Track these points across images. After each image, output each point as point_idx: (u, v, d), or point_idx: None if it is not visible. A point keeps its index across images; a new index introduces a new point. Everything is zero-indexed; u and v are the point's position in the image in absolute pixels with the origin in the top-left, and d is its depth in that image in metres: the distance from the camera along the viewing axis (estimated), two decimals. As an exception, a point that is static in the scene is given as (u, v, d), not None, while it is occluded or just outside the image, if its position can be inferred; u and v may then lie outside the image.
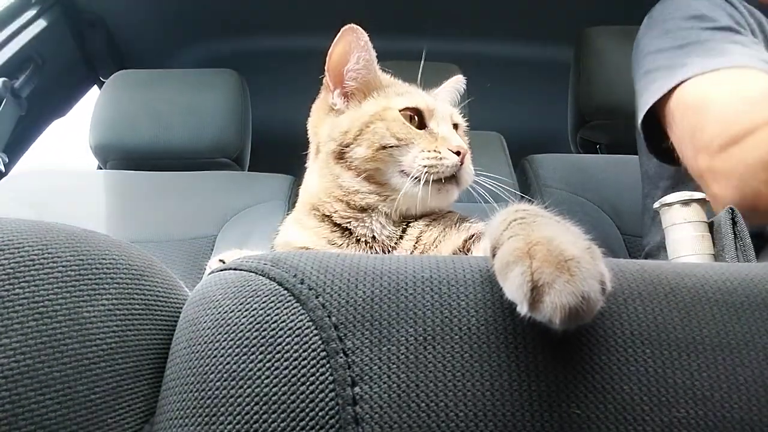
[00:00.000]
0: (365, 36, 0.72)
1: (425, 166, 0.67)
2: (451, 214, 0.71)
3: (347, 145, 0.68)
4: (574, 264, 0.33)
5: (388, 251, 0.67)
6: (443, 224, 0.67)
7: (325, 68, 0.74)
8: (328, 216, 0.68)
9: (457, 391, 0.33)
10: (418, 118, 0.72)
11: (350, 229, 0.67)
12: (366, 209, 0.68)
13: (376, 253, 0.66)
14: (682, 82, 0.83)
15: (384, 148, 0.68)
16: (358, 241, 0.67)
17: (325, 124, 0.73)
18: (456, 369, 0.33)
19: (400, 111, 0.71)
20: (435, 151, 0.68)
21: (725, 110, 0.78)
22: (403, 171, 0.68)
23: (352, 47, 0.72)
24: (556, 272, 0.33)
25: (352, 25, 0.71)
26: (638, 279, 0.39)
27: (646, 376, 0.34)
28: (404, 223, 0.70)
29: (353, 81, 0.73)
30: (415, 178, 0.67)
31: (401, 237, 0.68)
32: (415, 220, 0.69)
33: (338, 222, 0.68)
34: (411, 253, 0.66)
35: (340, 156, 0.69)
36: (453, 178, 0.69)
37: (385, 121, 0.70)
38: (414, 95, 0.75)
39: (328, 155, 0.70)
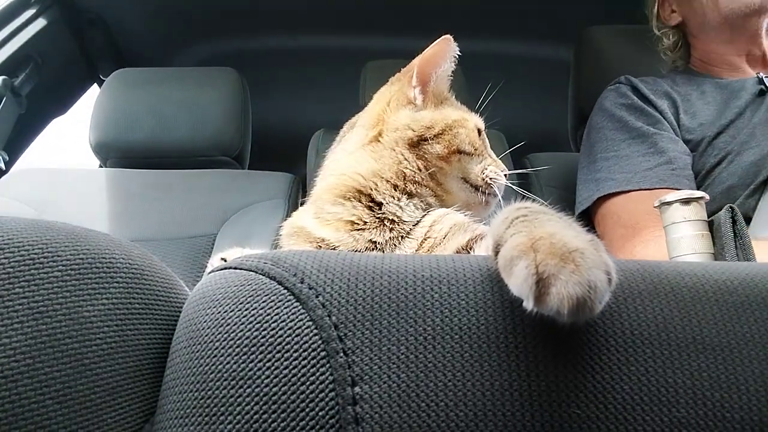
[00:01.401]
0: (457, 49, 0.79)
1: (491, 179, 0.76)
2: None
3: (425, 139, 0.74)
4: (579, 255, 0.33)
5: (403, 237, 0.68)
6: (454, 220, 0.68)
7: (415, 64, 0.80)
8: (367, 195, 0.70)
9: (457, 391, 0.33)
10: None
11: (383, 205, 0.69)
12: (413, 195, 0.71)
13: (393, 234, 0.67)
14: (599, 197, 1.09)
15: (459, 152, 0.75)
16: (382, 221, 0.68)
17: (400, 113, 0.77)
18: (456, 369, 0.33)
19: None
20: (495, 166, 0.78)
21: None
22: (463, 178, 0.75)
23: (446, 56, 0.79)
24: (561, 263, 0.32)
25: (449, 36, 0.78)
26: (638, 278, 0.39)
27: (646, 376, 0.34)
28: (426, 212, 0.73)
29: (435, 85, 0.80)
30: (475, 187, 0.76)
31: (416, 223, 0.69)
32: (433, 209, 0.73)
33: (376, 198, 0.69)
34: (421, 242, 0.67)
35: (415, 145, 0.74)
36: (495, 195, 0.78)
37: (466, 129, 0.77)
38: (473, 114, 0.84)
39: (400, 141, 0.74)
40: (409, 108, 0.78)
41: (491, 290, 0.37)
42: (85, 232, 0.39)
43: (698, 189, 1.02)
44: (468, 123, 0.78)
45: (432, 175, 0.73)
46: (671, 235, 0.72)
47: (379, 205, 0.69)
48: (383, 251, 0.67)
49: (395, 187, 0.71)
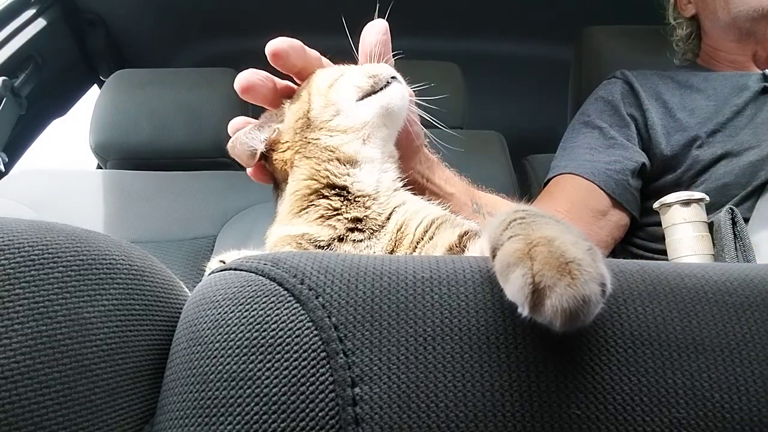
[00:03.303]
0: (240, 131, 0.74)
1: (370, 72, 0.72)
2: (442, 212, 0.71)
3: (308, 110, 0.72)
4: (575, 267, 0.33)
5: (384, 222, 0.67)
6: (432, 217, 0.67)
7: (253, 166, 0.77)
8: (324, 186, 0.69)
9: (457, 391, 0.33)
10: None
11: (347, 186, 0.68)
12: (356, 160, 0.69)
13: (368, 213, 0.67)
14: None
15: (330, 86, 0.72)
16: (356, 200, 0.67)
17: (282, 137, 0.74)
18: (456, 369, 0.33)
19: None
20: (370, 65, 0.74)
21: None
22: (358, 99, 0.71)
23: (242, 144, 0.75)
24: (558, 275, 0.33)
25: (231, 143, 0.74)
26: (638, 279, 0.39)
27: (646, 376, 0.34)
28: (398, 177, 0.71)
29: (265, 130, 0.76)
30: (371, 91, 0.71)
31: (388, 218, 0.68)
32: (402, 204, 0.70)
33: (336, 182, 0.68)
34: (398, 240, 0.66)
35: (309, 123, 0.72)
36: (394, 78, 0.73)
37: (318, 74, 0.75)
38: None
39: (303, 134, 0.72)
40: (284, 134, 0.75)
41: (491, 291, 0.37)
42: (86, 234, 0.39)
43: (694, 185, 1.02)
44: (317, 72, 0.76)
45: (339, 129, 0.70)
46: (671, 236, 0.72)
47: (345, 188, 0.68)
48: (365, 231, 0.66)
49: (339, 160, 0.69)
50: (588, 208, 1.05)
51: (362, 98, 0.71)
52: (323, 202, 0.67)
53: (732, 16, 1.14)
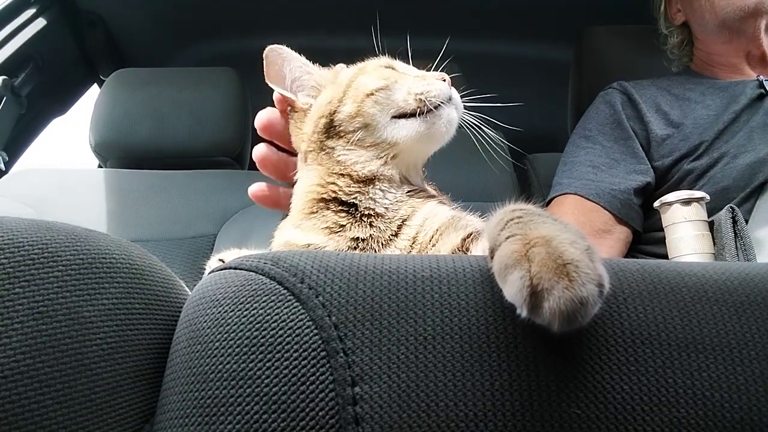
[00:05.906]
0: (285, 49, 0.71)
1: (419, 93, 0.65)
2: (454, 215, 0.69)
3: (334, 112, 0.67)
4: (573, 268, 0.33)
5: (392, 235, 0.65)
6: (437, 225, 0.66)
7: (277, 94, 0.73)
8: (332, 199, 0.66)
9: (457, 391, 0.33)
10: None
11: (356, 204, 0.65)
12: (370, 180, 0.66)
13: (372, 231, 0.64)
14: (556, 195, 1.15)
15: (369, 95, 0.66)
16: (362, 218, 0.64)
17: (305, 124, 0.71)
18: (456, 369, 0.33)
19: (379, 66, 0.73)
20: (422, 79, 0.68)
21: None
22: (395, 116, 0.66)
23: (279, 64, 0.72)
24: (555, 278, 0.33)
25: (271, 46, 0.71)
26: (638, 278, 0.39)
27: (646, 376, 0.34)
28: (407, 189, 0.68)
29: (302, 89, 0.73)
30: (412, 114, 0.65)
31: (396, 234, 0.66)
32: (412, 213, 0.68)
33: (344, 199, 0.65)
34: (411, 245, 0.65)
35: (330, 126, 0.68)
36: (449, 101, 0.67)
37: (366, 72, 0.70)
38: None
39: (319, 137, 0.69)
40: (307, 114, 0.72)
41: (491, 290, 0.37)
42: (85, 233, 0.39)
43: (693, 190, 1.03)
44: (368, 66, 0.72)
45: (362, 144, 0.66)
46: (672, 235, 0.72)
47: (353, 205, 0.65)
48: (366, 250, 0.65)
49: (351, 177, 0.66)
50: (593, 230, 1.05)
51: (399, 116, 0.66)
52: (330, 215, 0.65)
53: (720, 18, 1.15)
